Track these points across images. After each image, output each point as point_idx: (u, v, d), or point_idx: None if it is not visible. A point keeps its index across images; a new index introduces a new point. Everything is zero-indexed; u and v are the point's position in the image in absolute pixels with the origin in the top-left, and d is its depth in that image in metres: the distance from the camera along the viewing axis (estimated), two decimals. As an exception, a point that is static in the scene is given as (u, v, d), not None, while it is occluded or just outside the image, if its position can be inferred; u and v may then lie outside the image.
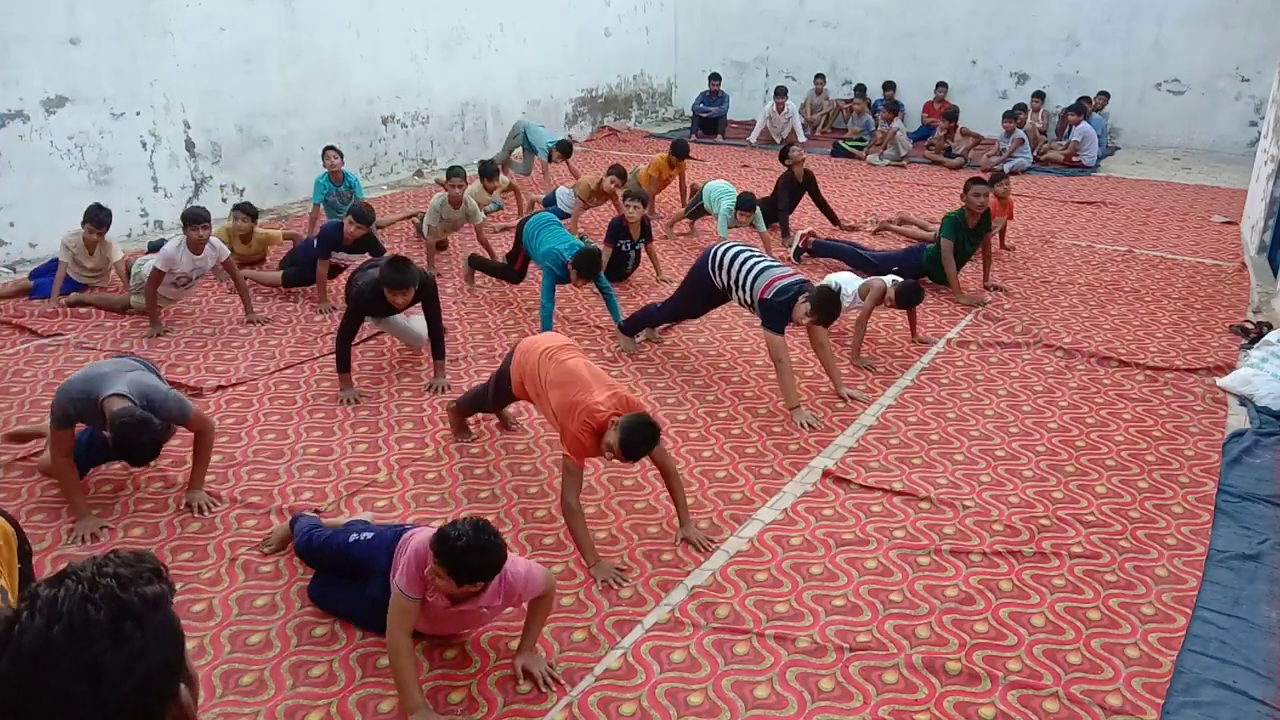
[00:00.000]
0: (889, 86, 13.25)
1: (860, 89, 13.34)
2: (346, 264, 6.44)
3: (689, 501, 3.88)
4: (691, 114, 13.67)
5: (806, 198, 8.28)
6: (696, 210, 8.26)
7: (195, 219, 5.72)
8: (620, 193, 7.38)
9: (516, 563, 2.85)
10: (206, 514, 3.86)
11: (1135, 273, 7.29)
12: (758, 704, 2.86)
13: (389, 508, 3.96)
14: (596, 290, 6.00)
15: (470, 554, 2.60)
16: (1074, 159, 11.30)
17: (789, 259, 7.50)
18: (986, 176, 7.07)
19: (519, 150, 10.49)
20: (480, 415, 4.68)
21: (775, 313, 4.81)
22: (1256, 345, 5.47)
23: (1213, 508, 3.98)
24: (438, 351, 5.15)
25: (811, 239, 7.53)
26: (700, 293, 5.41)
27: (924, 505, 3.99)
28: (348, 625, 3.18)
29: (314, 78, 9.28)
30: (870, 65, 13.90)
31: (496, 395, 4.25)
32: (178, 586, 2.36)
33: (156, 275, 5.78)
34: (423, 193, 9.62)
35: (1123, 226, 8.72)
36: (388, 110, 10.28)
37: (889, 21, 13.68)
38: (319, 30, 9.23)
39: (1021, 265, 7.52)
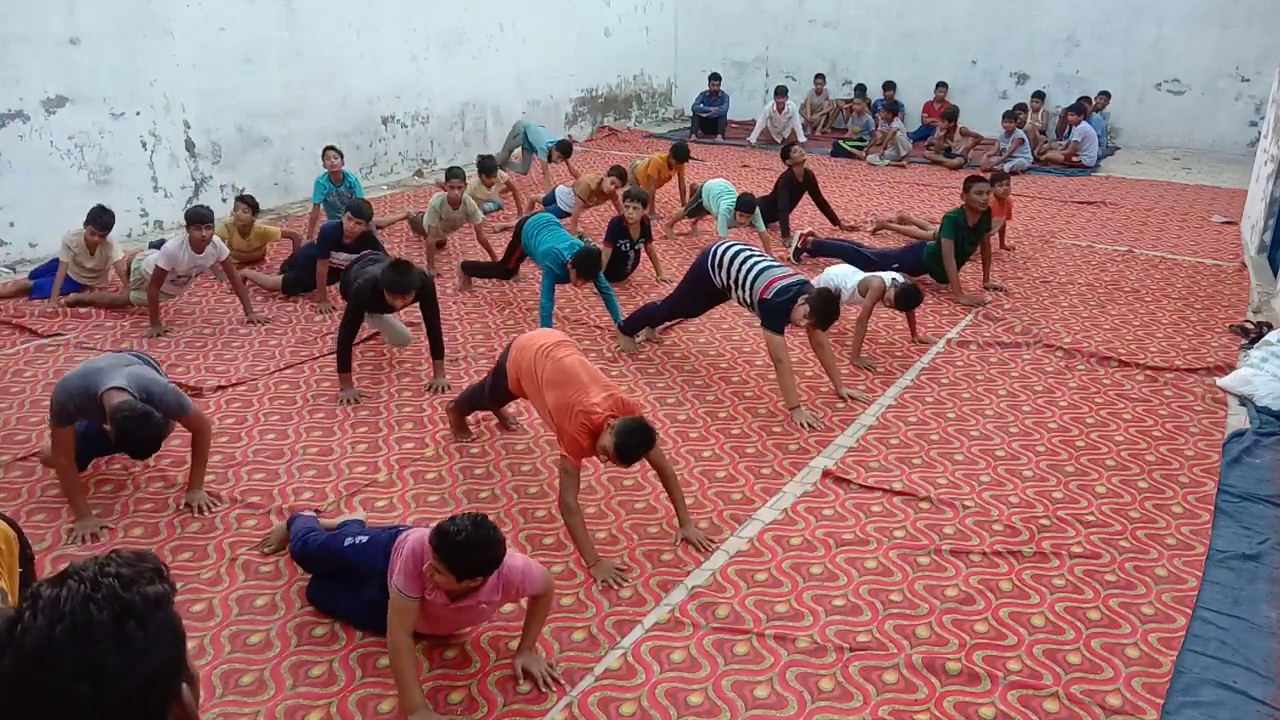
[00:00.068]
0: (889, 86, 13.25)
1: (860, 89, 13.34)
2: (346, 265, 6.43)
3: (689, 501, 3.88)
4: (691, 114, 13.67)
5: (806, 198, 8.28)
6: (696, 209, 8.26)
7: (199, 219, 5.72)
8: (620, 193, 7.38)
9: (514, 558, 2.85)
10: (206, 514, 3.86)
11: (1135, 273, 7.29)
12: (758, 704, 2.87)
13: (389, 508, 3.96)
14: (596, 290, 6.00)
15: (470, 549, 2.61)
16: (1074, 159, 11.30)
17: (789, 259, 7.50)
18: (987, 176, 7.07)
19: (518, 150, 10.50)
20: (480, 415, 4.68)
21: (775, 313, 4.81)
22: (1256, 345, 5.47)
23: (1213, 508, 3.98)
24: (437, 351, 5.15)
25: (811, 239, 7.53)
26: (700, 291, 5.41)
27: (924, 505, 3.99)
28: (348, 625, 3.18)
29: (314, 78, 9.28)
30: (870, 65, 13.90)
31: (493, 392, 4.24)
32: (178, 586, 2.36)
33: (160, 274, 5.79)
34: (423, 193, 9.62)
35: (1123, 226, 8.72)
36: (388, 110, 10.28)
37: (889, 21, 13.67)
38: (319, 30, 9.23)
39: (1021, 265, 7.52)
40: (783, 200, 8.10)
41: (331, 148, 7.76)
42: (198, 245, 5.77)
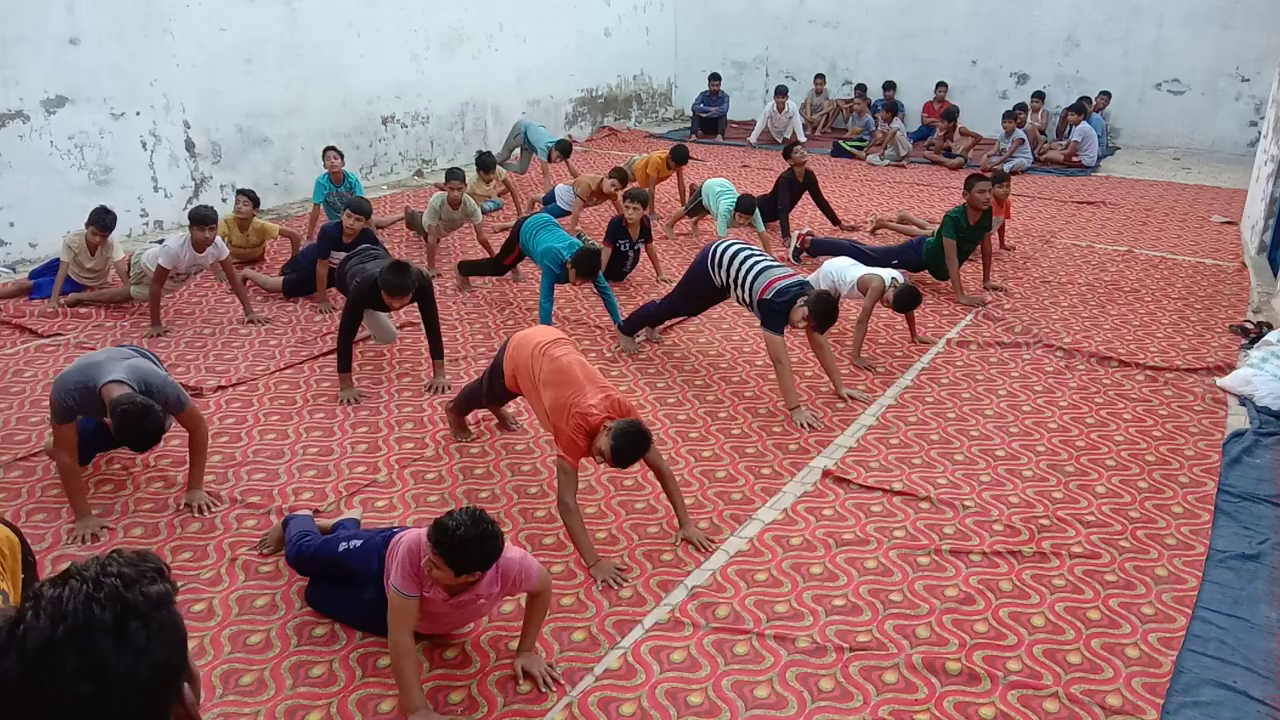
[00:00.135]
0: (889, 86, 13.25)
1: (861, 89, 13.34)
2: (342, 259, 6.42)
3: (688, 502, 3.89)
4: (691, 114, 13.67)
5: (806, 197, 8.28)
6: (696, 208, 8.27)
7: (203, 220, 5.71)
8: (620, 194, 7.39)
9: (511, 550, 2.86)
10: (206, 514, 3.86)
11: (1135, 273, 7.30)
12: (758, 704, 2.87)
13: (389, 508, 3.96)
14: (595, 290, 6.00)
15: (469, 544, 2.61)
16: (1074, 159, 11.30)
17: (788, 259, 7.50)
18: (989, 175, 7.07)
19: (517, 150, 10.51)
20: (480, 415, 4.68)
21: (774, 314, 4.81)
22: (1256, 345, 5.47)
23: (1213, 508, 3.98)
24: (436, 351, 5.15)
25: (809, 238, 7.53)
26: (699, 290, 5.41)
27: (924, 505, 3.99)
28: (348, 625, 3.18)
29: (314, 78, 9.28)
30: (870, 65, 13.90)
31: (490, 390, 4.24)
32: (179, 586, 2.36)
33: (162, 273, 5.79)
34: (423, 193, 9.62)
35: (1123, 226, 8.72)
36: (388, 110, 10.28)
37: (889, 21, 13.68)
38: (319, 30, 9.24)
39: (1021, 265, 7.52)
40: (783, 200, 8.11)
41: (332, 148, 7.76)
42: (199, 245, 5.77)
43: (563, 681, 2.94)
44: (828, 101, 13.85)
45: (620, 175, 7.89)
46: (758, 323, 5.09)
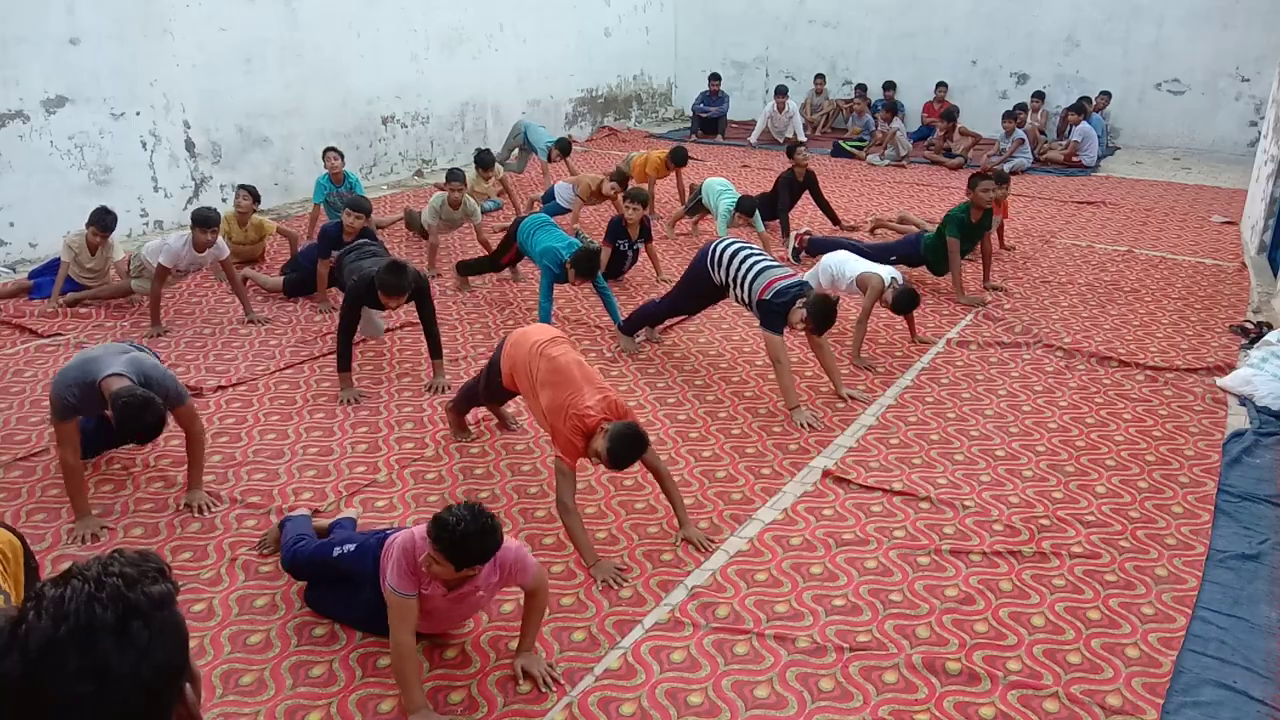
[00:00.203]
0: (889, 86, 13.25)
1: (861, 89, 13.34)
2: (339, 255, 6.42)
3: (688, 502, 3.89)
4: (691, 114, 13.67)
5: (806, 198, 8.28)
6: (695, 206, 8.27)
7: (206, 222, 5.71)
8: (620, 196, 7.39)
9: (507, 541, 2.86)
10: (206, 514, 3.86)
11: (1135, 273, 7.30)
12: (758, 704, 2.87)
13: (389, 508, 3.96)
14: (594, 290, 5.99)
15: (470, 539, 2.62)
16: (1074, 159, 11.30)
17: (788, 259, 7.50)
18: (992, 174, 7.07)
19: (516, 150, 10.50)
20: (480, 415, 4.68)
21: (773, 314, 4.80)
22: (1256, 345, 5.47)
23: (1213, 508, 3.98)
24: (435, 351, 5.15)
25: (807, 237, 7.53)
26: (699, 288, 5.40)
27: (924, 505, 3.99)
28: (347, 626, 3.18)
29: (314, 78, 9.28)
30: (870, 65, 13.90)
31: (488, 388, 4.24)
32: (180, 586, 2.35)
33: (163, 272, 5.79)
34: (423, 193, 9.62)
35: (1123, 226, 8.72)
36: (388, 110, 10.28)
37: (889, 21, 13.67)
38: (319, 30, 9.23)
39: (1021, 265, 7.52)
40: (783, 199, 8.10)
41: (332, 149, 7.75)
42: (200, 247, 5.77)
43: (563, 681, 2.94)
44: (828, 101, 13.85)
45: (620, 178, 7.90)
46: (757, 322, 5.09)
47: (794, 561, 3.59)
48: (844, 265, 5.87)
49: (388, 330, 5.93)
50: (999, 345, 5.81)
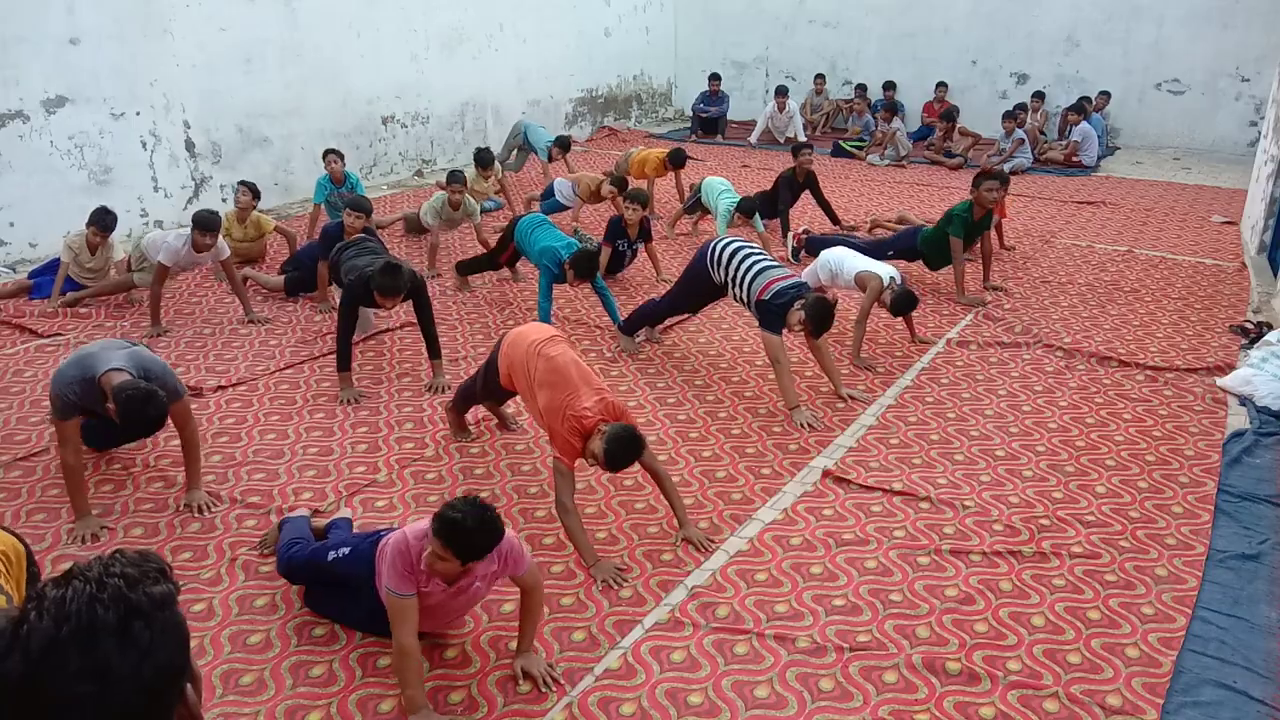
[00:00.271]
0: (889, 86, 13.25)
1: (861, 89, 13.34)
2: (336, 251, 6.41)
3: (688, 502, 3.89)
4: (691, 114, 13.67)
5: (806, 198, 8.28)
6: (695, 205, 8.26)
7: (207, 226, 5.71)
8: (619, 197, 7.38)
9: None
10: (206, 514, 3.86)
11: (1135, 273, 7.30)
12: (758, 704, 2.87)
13: (389, 508, 3.96)
14: (593, 290, 5.99)
15: (475, 533, 2.64)
16: (1074, 159, 11.30)
17: (787, 259, 7.50)
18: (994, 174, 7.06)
19: (515, 150, 10.50)
20: (480, 415, 4.68)
21: (771, 315, 4.80)
22: (1256, 345, 5.47)
23: (1213, 508, 3.98)
24: (434, 351, 5.15)
25: (805, 237, 7.53)
26: (698, 287, 5.40)
27: (924, 505, 3.99)
28: (347, 627, 3.18)
29: (314, 78, 9.28)
30: (870, 65, 13.90)
31: (485, 386, 4.23)
32: (181, 586, 2.35)
33: (162, 270, 5.80)
34: (423, 193, 9.62)
35: (1123, 226, 8.72)
36: (388, 110, 10.28)
37: (889, 21, 13.68)
38: (319, 30, 9.23)
39: (1021, 265, 7.52)
40: (783, 198, 8.10)
41: (332, 151, 7.74)
42: (200, 248, 5.77)
43: (563, 681, 2.94)
44: (828, 101, 13.85)
45: (618, 181, 7.89)
46: (757, 322, 5.09)
47: (794, 561, 3.59)
48: (843, 262, 5.86)
49: (388, 330, 5.93)
50: (999, 345, 5.81)
